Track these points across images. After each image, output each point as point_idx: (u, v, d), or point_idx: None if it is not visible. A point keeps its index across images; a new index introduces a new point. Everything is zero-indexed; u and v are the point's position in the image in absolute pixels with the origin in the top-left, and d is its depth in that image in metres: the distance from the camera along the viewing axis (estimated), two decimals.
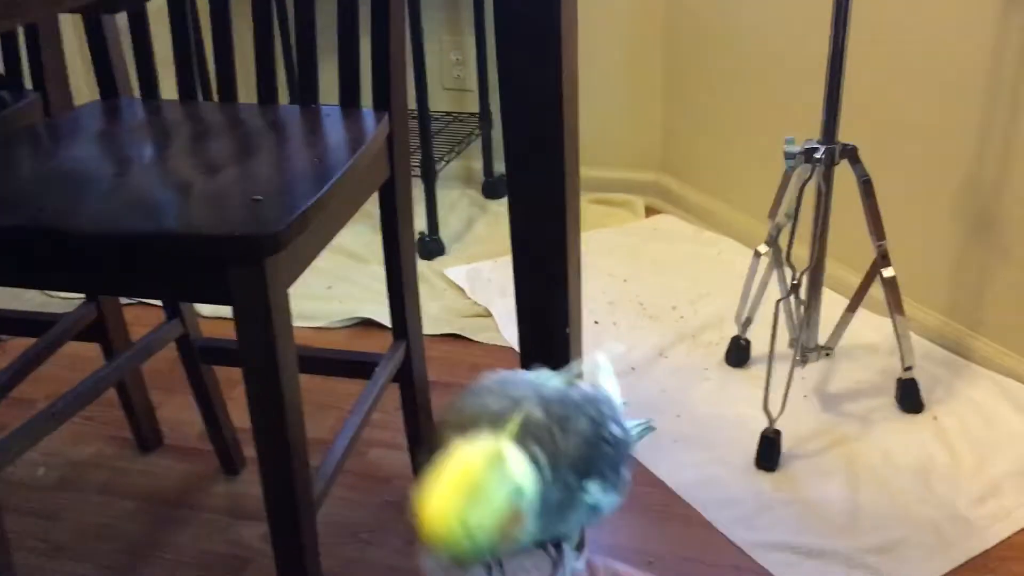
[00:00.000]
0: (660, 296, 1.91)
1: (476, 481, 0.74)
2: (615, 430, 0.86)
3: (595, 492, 0.82)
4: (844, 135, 1.42)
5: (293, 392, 0.96)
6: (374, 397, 1.24)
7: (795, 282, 1.46)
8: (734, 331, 1.69)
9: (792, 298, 1.48)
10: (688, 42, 2.16)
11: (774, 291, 1.55)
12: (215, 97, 1.23)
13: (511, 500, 0.74)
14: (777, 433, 1.44)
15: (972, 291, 1.65)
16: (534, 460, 0.78)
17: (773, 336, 1.41)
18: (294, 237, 0.90)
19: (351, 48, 1.14)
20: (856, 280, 1.54)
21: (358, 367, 1.33)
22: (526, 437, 0.79)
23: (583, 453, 0.81)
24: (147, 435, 1.55)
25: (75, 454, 1.55)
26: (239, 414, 1.41)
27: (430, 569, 0.75)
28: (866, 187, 1.42)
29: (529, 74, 1.14)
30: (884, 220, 1.45)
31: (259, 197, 0.92)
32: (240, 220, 0.88)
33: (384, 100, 1.15)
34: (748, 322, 1.66)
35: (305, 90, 1.17)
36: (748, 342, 1.68)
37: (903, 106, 1.69)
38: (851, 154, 1.42)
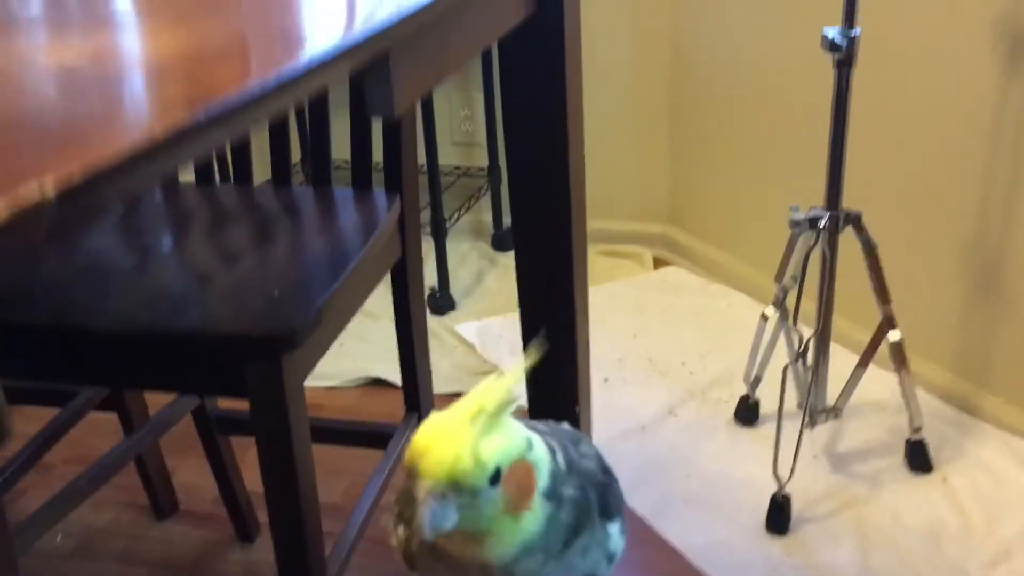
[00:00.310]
0: (669, 351, 1.93)
1: (489, 411, 0.64)
2: (610, 468, 0.81)
3: (615, 535, 0.75)
4: (848, 195, 1.44)
5: (307, 474, 0.98)
6: (388, 471, 1.26)
7: (801, 348, 1.47)
8: (743, 388, 1.71)
9: (799, 362, 1.50)
10: (695, 93, 2.19)
11: (783, 350, 1.57)
12: (231, 173, 1.26)
13: (524, 446, 0.65)
14: (787, 498, 1.45)
15: (979, 349, 1.66)
16: (548, 446, 0.70)
17: (781, 403, 1.43)
18: (310, 333, 0.92)
19: (363, 131, 1.17)
20: (864, 336, 1.55)
21: (373, 438, 1.35)
22: (536, 430, 0.72)
23: (597, 478, 0.75)
24: (163, 502, 1.57)
25: (93, 521, 1.57)
26: (253, 477, 1.43)
27: (429, 514, 0.62)
28: (871, 254, 1.44)
29: (535, 139, 1.17)
30: (890, 277, 1.47)
31: (276, 292, 0.95)
32: (257, 318, 0.91)
33: (396, 182, 1.18)
34: (757, 381, 1.67)
35: (318, 173, 1.20)
36: (757, 401, 1.70)
37: (906, 167, 1.71)
38: (855, 221, 1.44)
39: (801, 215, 1.44)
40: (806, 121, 1.84)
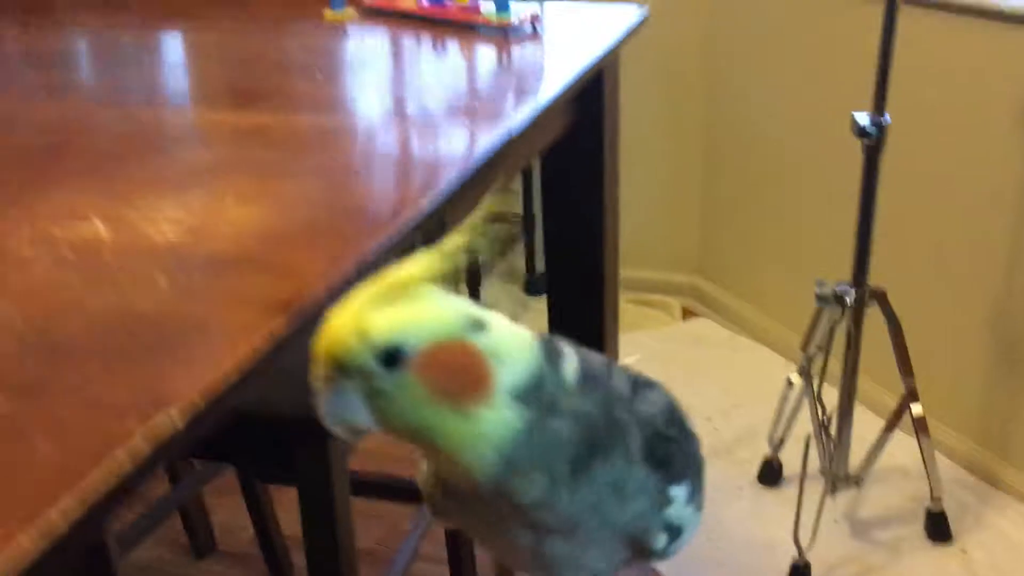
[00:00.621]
0: (695, 405, 1.97)
1: (400, 280, 0.51)
2: (693, 428, 0.67)
3: (679, 502, 0.62)
4: (873, 267, 1.47)
5: (347, 538, 1.03)
6: (424, 528, 1.32)
7: (825, 420, 1.51)
8: (767, 447, 1.74)
9: (823, 432, 1.53)
10: (728, 150, 2.23)
11: (807, 413, 1.60)
12: None
13: (459, 325, 0.51)
14: (807, 565, 1.48)
15: (1001, 421, 1.68)
16: (553, 351, 0.56)
17: (803, 474, 1.46)
18: None
19: None
20: (888, 398, 1.59)
21: (409, 494, 1.41)
22: (554, 341, 0.57)
23: (655, 425, 0.61)
24: (202, 541, 1.63)
25: (135, 559, 1.63)
26: (290, 518, 1.48)
27: (323, 402, 0.52)
28: (895, 329, 1.48)
29: (572, 195, 1.22)
30: (915, 346, 1.50)
31: None
32: (308, 401, 0.96)
33: None
34: (781, 443, 1.71)
35: None
36: (781, 463, 1.73)
37: (932, 242, 1.74)
38: (880, 298, 1.47)
39: (827, 289, 1.48)
40: (834, 185, 1.88)
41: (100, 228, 0.57)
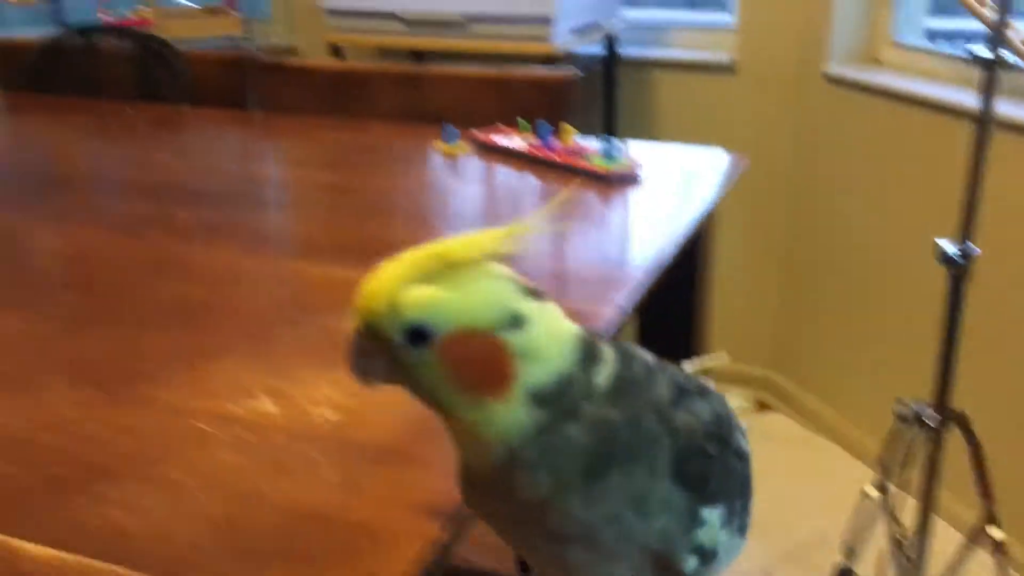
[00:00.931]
0: (768, 505, 1.97)
1: (449, 258, 0.51)
2: (743, 445, 0.63)
3: (712, 524, 0.58)
4: (955, 383, 1.48)
5: None
6: None
7: (901, 538, 1.51)
8: (840, 554, 1.74)
9: (899, 549, 1.54)
10: (807, 249, 2.26)
11: (883, 524, 1.60)
12: None
13: (494, 318, 0.51)
14: None
15: None
16: (591, 354, 0.54)
17: None
18: None
19: None
20: (967, 514, 1.58)
21: None
22: (597, 344, 0.56)
23: (693, 440, 0.57)
24: None
25: None
26: None
27: (352, 354, 0.52)
28: (975, 452, 1.48)
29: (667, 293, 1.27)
30: (995, 464, 1.49)
31: None
32: None
33: None
34: (855, 553, 1.71)
35: None
36: (854, 574, 1.73)
37: (1015, 361, 1.74)
38: (961, 420, 1.48)
39: (907, 409, 1.50)
40: (914, 299, 1.89)
41: (269, 406, 0.63)
